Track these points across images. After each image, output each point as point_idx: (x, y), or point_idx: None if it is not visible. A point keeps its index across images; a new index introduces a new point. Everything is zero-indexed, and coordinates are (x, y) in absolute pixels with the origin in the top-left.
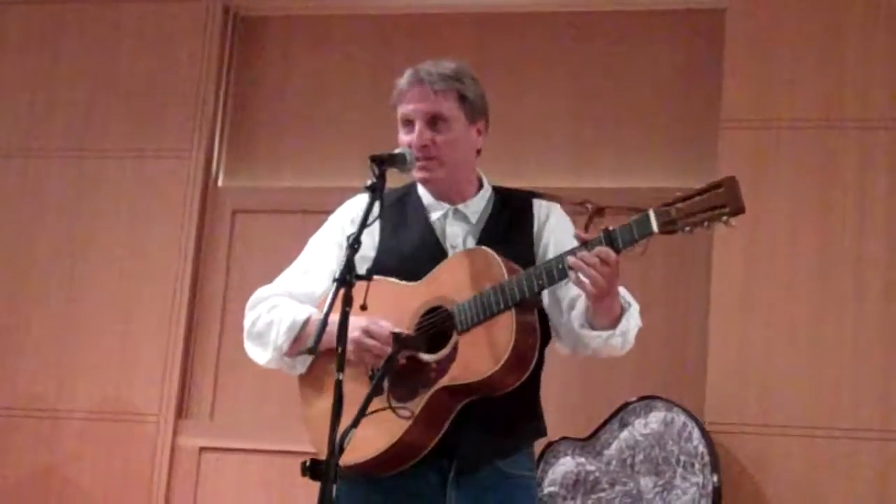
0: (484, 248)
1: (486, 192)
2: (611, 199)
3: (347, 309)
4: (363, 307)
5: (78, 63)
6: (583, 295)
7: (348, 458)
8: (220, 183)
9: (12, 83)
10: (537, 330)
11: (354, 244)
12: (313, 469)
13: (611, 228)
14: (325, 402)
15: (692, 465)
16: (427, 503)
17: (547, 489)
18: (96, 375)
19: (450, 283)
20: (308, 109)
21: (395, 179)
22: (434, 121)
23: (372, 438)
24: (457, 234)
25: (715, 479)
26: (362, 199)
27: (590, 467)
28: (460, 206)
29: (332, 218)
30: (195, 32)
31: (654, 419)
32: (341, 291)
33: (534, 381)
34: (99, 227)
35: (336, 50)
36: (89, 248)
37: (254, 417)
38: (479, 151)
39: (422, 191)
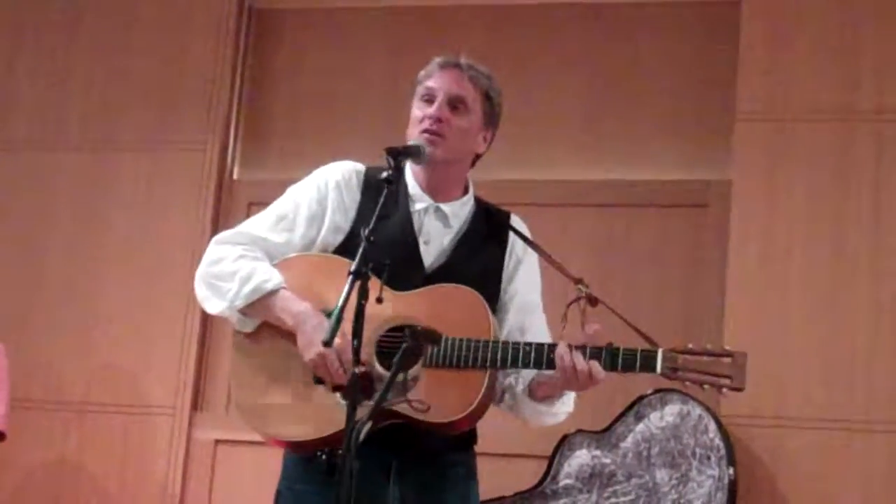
0: (479, 296)
1: (469, 199)
2: (628, 193)
3: (363, 302)
4: (379, 300)
5: (93, 55)
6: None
7: (298, 432)
8: (235, 176)
9: (29, 75)
10: (496, 391)
11: (370, 237)
12: (328, 463)
13: (615, 348)
14: (267, 371)
15: (708, 457)
16: (373, 498)
17: (562, 482)
18: (112, 368)
19: (434, 312)
20: (322, 102)
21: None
22: (456, 103)
23: (321, 418)
24: (433, 231)
25: (731, 471)
26: (348, 165)
27: (605, 460)
28: (442, 205)
29: (316, 174)
30: (210, 25)
31: (670, 412)
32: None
33: None
34: (114, 221)
35: (350, 43)
36: (104, 242)
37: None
38: (476, 158)
39: (410, 178)
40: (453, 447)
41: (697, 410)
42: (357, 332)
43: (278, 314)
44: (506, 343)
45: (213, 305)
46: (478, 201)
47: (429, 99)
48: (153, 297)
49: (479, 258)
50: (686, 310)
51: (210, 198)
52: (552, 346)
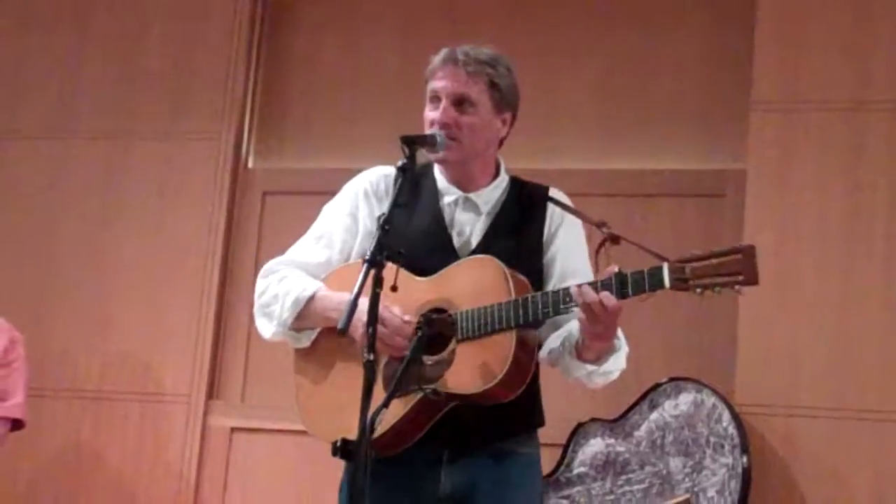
0: (496, 260)
1: (502, 182)
2: (643, 182)
3: (378, 290)
4: (394, 288)
5: (107, 44)
6: (574, 324)
7: (343, 428)
8: (250, 164)
9: (42, 64)
10: (535, 351)
11: (385, 224)
12: (345, 449)
13: (623, 273)
14: (325, 377)
15: (722, 446)
16: (422, 483)
17: (576, 470)
18: (128, 356)
19: (457, 288)
20: (337, 91)
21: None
22: (460, 101)
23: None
24: (465, 223)
25: (745, 460)
26: (377, 172)
27: (619, 448)
28: (472, 195)
29: (346, 188)
30: (225, 14)
31: (684, 400)
32: (371, 272)
33: (530, 380)
34: (129, 210)
35: (365, 31)
36: (120, 231)
37: (285, 398)
38: (502, 142)
39: (438, 173)
40: (510, 433)
41: (711, 399)
42: (371, 319)
43: (324, 314)
44: (518, 299)
45: (268, 331)
46: (513, 181)
47: (435, 100)
48: (169, 285)
49: (515, 237)
50: (700, 299)
51: (225, 187)
52: (566, 290)
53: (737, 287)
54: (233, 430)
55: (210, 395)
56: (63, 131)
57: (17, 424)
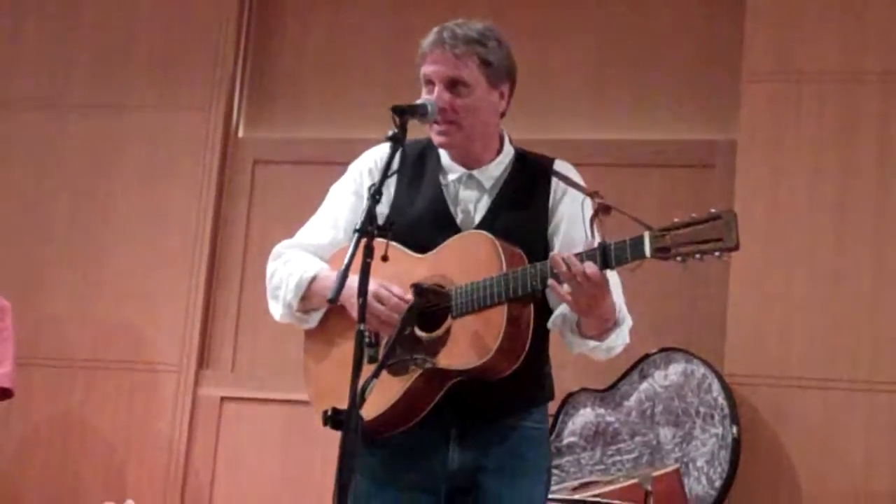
0: (488, 235)
1: (507, 156)
2: (635, 153)
3: (369, 260)
4: (384, 258)
5: (99, 17)
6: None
7: (338, 403)
8: (240, 134)
9: (36, 37)
10: (530, 323)
11: (376, 195)
12: (335, 419)
13: (606, 243)
14: (332, 359)
15: (712, 416)
16: (429, 458)
17: (566, 440)
18: (118, 326)
19: (451, 264)
20: (327, 61)
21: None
22: (453, 84)
23: (371, 401)
24: (469, 200)
25: (734, 430)
26: (382, 149)
27: (609, 418)
28: (475, 172)
29: (351, 167)
30: None
31: (674, 371)
32: (362, 244)
33: (534, 354)
34: (120, 181)
35: (354, 3)
36: (111, 202)
37: (274, 367)
38: (503, 114)
39: (442, 151)
40: (515, 409)
41: (701, 369)
42: (362, 289)
43: (325, 294)
44: (509, 273)
45: (277, 313)
46: (518, 155)
47: (430, 84)
48: (159, 255)
49: (519, 212)
50: (690, 268)
51: (216, 156)
52: (545, 264)
53: (717, 253)
54: (223, 399)
55: (200, 364)
56: (54, 101)
57: (4, 393)
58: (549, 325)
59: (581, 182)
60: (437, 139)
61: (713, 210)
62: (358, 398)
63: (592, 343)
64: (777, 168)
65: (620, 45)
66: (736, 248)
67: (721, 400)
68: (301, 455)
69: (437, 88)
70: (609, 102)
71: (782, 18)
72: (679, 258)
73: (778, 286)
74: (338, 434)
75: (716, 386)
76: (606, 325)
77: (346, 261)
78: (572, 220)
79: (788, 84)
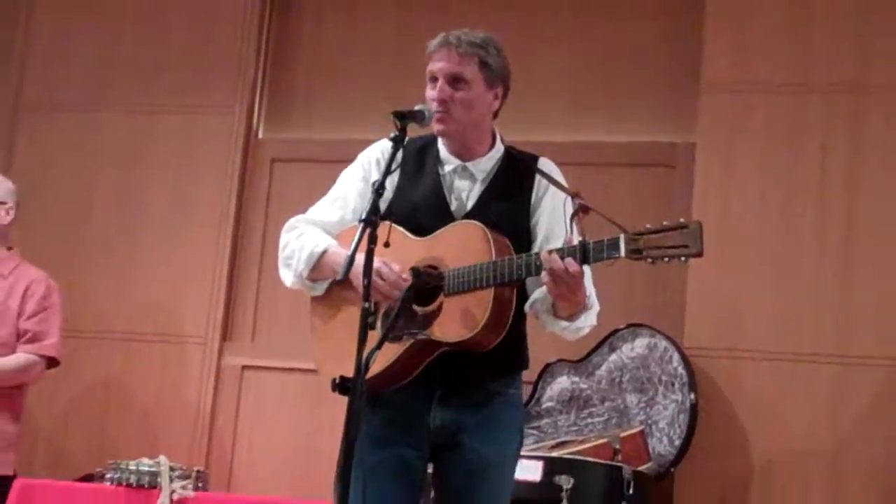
0: (481, 226)
1: (498, 152)
2: (606, 153)
3: (373, 246)
4: (387, 244)
5: (135, 28)
6: None
7: (345, 368)
8: (260, 135)
9: (79, 45)
10: (512, 305)
11: (379, 189)
12: (342, 385)
13: (585, 242)
14: (335, 322)
15: (672, 384)
16: (415, 417)
17: (545, 404)
18: (152, 303)
19: (446, 248)
20: (337, 70)
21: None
22: (455, 80)
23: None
24: (462, 189)
25: (692, 396)
26: (384, 143)
27: (583, 386)
28: (469, 164)
29: (360, 156)
30: (237, 3)
31: (640, 344)
32: (367, 231)
33: (513, 330)
34: (154, 175)
35: (363, 18)
36: (145, 193)
37: (290, 340)
38: (496, 114)
39: (441, 145)
40: (495, 374)
41: (663, 343)
42: (367, 271)
43: (333, 267)
44: (498, 261)
45: (288, 280)
46: (507, 152)
47: (433, 80)
48: (188, 240)
49: (506, 203)
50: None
51: (238, 154)
52: (537, 255)
53: (683, 258)
54: (243, 368)
55: (224, 336)
56: (96, 104)
57: (52, 362)
58: (527, 307)
59: (562, 179)
60: (436, 127)
61: (682, 220)
62: (363, 367)
63: (564, 323)
64: (731, 167)
65: (594, 58)
66: (700, 255)
67: (681, 370)
68: (313, 417)
69: (439, 82)
70: (583, 108)
71: (738, 35)
72: (650, 260)
73: (732, 271)
74: (344, 398)
75: (676, 357)
76: (577, 308)
77: (352, 246)
78: (553, 215)
79: (742, 94)
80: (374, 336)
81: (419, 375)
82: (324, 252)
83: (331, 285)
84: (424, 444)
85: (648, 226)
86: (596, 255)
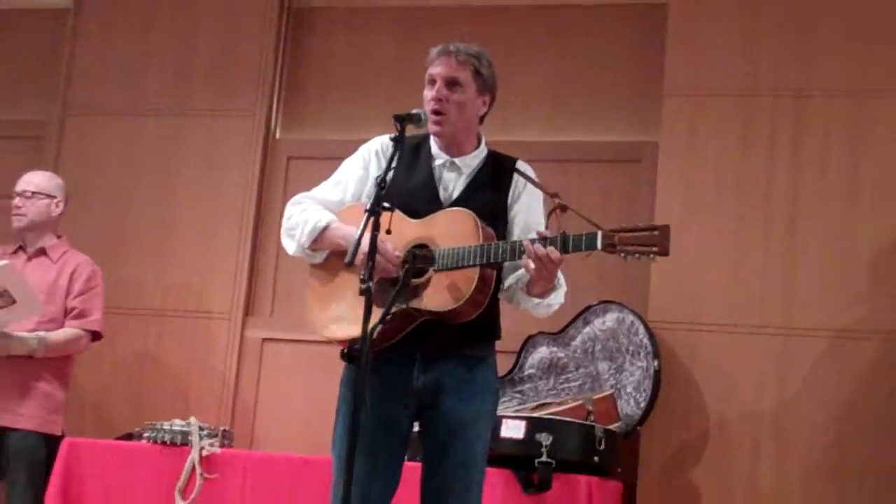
0: (472, 213)
1: (482, 152)
2: (581, 151)
3: (376, 233)
4: (388, 231)
5: (168, 40)
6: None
7: (347, 333)
8: (277, 136)
9: (119, 57)
10: (492, 284)
11: (382, 184)
12: (350, 355)
13: (567, 235)
14: (333, 286)
15: (638, 353)
16: (401, 381)
17: (527, 371)
18: (183, 283)
19: (439, 230)
20: (345, 79)
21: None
22: (452, 83)
23: (356, 324)
24: (449, 180)
25: (656, 364)
26: (385, 138)
27: (560, 354)
28: (456, 160)
29: (361, 148)
30: (257, 20)
31: (610, 318)
32: (371, 220)
33: (490, 306)
34: (184, 170)
35: (366, 34)
36: (177, 187)
37: (303, 316)
38: (482, 119)
39: (433, 142)
40: (472, 342)
41: (630, 317)
42: (371, 254)
43: (334, 240)
44: (485, 245)
45: (290, 248)
46: (490, 153)
47: (432, 82)
48: (215, 228)
49: (486, 195)
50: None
51: (258, 152)
52: (521, 242)
53: (652, 256)
54: (264, 340)
55: (246, 312)
56: (134, 108)
57: (95, 336)
58: (502, 290)
59: (534, 177)
60: (433, 128)
61: (654, 223)
62: (368, 337)
63: (537, 300)
64: (689, 162)
65: (569, 66)
66: (666, 254)
67: (646, 341)
68: (323, 382)
69: (437, 84)
70: (560, 112)
71: (694, 47)
72: (622, 255)
73: (691, 254)
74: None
75: (642, 330)
76: (549, 287)
77: (358, 232)
78: (530, 210)
79: (698, 98)
80: (362, 302)
81: (405, 343)
82: (326, 227)
83: (328, 256)
84: (411, 404)
85: (624, 225)
86: (575, 246)
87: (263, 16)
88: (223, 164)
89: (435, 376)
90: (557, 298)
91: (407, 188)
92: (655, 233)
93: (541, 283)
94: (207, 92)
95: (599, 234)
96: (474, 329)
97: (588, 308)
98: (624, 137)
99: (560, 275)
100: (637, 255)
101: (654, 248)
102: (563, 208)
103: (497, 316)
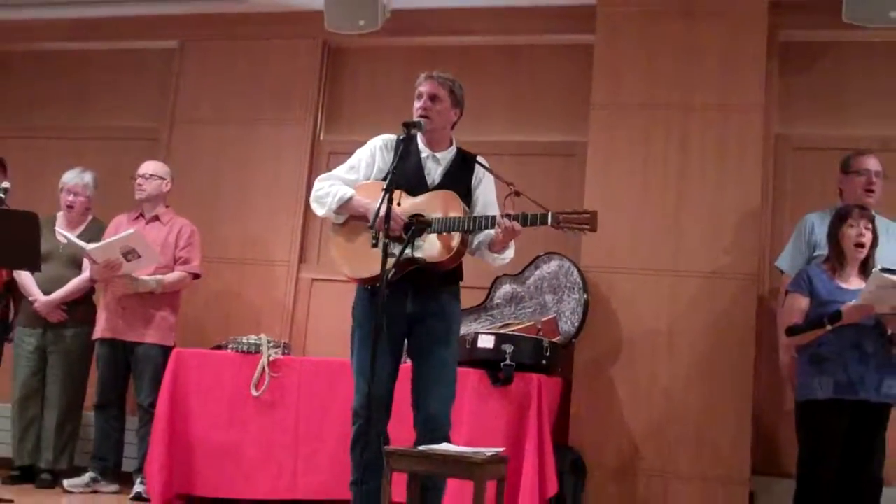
0: (455, 194)
1: (454, 149)
2: (530, 147)
3: (390, 206)
4: (399, 204)
5: (245, 75)
6: (491, 232)
7: (363, 273)
8: (321, 138)
9: (211, 80)
10: (468, 243)
11: (393, 171)
12: (371, 289)
13: (526, 213)
14: (352, 241)
15: (573, 289)
16: (398, 307)
17: (495, 301)
18: (256, 238)
19: (433, 205)
20: (368, 97)
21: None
22: (433, 98)
23: (371, 268)
24: (432, 169)
25: (585, 297)
26: (388, 135)
27: (518, 290)
28: (437, 154)
29: (371, 141)
30: (307, 56)
31: (553, 264)
32: (386, 197)
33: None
34: (256, 163)
35: (384, 65)
36: (252, 178)
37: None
38: (454, 125)
39: (420, 139)
40: (445, 283)
41: (567, 263)
42: (387, 219)
43: (355, 209)
44: (467, 217)
45: (319, 211)
46: (459, 150)
47: (420, 97)
48: (279, 203)
49: (458, 180)
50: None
51: (307, 150)
52: (494, 217)
53: (585, 231)
54: (313, 280)
55: (300, 260)
56: (221, 119)
57: (196, 277)
58: (469, 248)
59: (490, 168)
60: (427, 125)
61: (587, 208)
62: (384, 284)
63: (496, 255)
64: (609, 156)
65: (522, 87)
66: (595, 231)
67: (579, 280)
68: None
69: (423, 98)
70: (514, 118)
71: (613, 73)
72: (564, 229)
73: (610, 219)
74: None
75: (575, 273)
76: (504, 247)
77: (377, 206)
78: (488, 191)
79: (615, 110)
80: (377, 253)
81: (401, 282)
82: (350, 198)
83: (348, 218)
84: (404, 324)
85: (566, 209)
86: (531, 222)
87: (311, 54)
88: (283, 158)
89: (422, 305)
90: (509, 254)
91: (406, 174)
92: (587, 215)
93: (501, 244)
94: (273, 107)
95: (550, 214)
96: (449, 274)
97: (538, 257)
98: (562, 138)
99: (512, 242)
100: (574, 231)
101: (587, 226)
102: (517, 194)
103: (461, 266)
